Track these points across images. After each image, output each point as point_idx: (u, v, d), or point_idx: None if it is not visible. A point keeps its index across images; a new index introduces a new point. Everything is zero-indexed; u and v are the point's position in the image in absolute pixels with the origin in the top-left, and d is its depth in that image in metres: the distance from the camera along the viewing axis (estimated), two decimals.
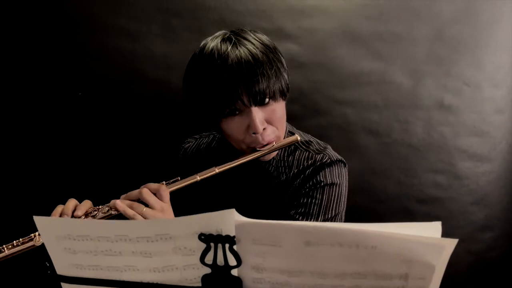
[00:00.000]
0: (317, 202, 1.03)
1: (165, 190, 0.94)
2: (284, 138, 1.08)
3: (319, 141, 1.15)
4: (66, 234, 0.59)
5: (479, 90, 1.64)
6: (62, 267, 0.63)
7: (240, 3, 1.60)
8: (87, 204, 0.94)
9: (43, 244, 0.62)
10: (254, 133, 0.98)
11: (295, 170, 1.08)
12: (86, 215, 0.90)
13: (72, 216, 0.88)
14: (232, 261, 0.59)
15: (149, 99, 1.62)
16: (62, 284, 0.64)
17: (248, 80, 0.94)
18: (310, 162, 1.07)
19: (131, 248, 0.59)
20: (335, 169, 1.07)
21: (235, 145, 1.05)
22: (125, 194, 0.95)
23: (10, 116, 1.61)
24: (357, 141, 1.61)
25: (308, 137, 1.17)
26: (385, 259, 0.55)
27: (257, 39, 1.00)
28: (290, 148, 1.11)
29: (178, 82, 1.60)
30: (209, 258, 0.59)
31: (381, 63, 1.59)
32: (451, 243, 0.53)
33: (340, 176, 1.07)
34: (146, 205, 0.91)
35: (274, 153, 1.08)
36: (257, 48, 0.97)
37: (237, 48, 0.96)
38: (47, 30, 1.61)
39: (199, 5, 1.60)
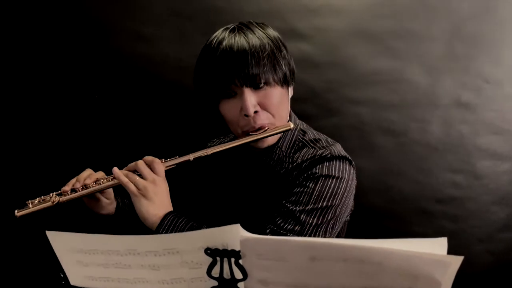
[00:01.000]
0: (308, 191, 0.99)
1: (159, 163, 1.01)
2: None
3: (329, 139, 1.12)
4: (78, 248, 0.61)
5: (499, 87, 1.60)
6: (75, 278, 0.65)
7: (253, 4, 1.60)
8: (99, 174, 1.05)
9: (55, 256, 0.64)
10: (246, 116, 0.99)
11: (295, 164, 1.07)
12: (95, 182, 1.03)
13: (84, 185, 1.02)
14: (238, 275, 0.59)
15: (163, 102, 1.64)
16: None
17: (238, 62, 0.97)
18: (310, 156, 1.05)
19: (140, 262, 0.60)
20: (335, 163, 1.03)
21: (233, 131, 1.07)
22: (126, 166, 1.03)
23: (29, 117, 1.65)
24: (372, 141, 1.59)
25: (320, 136, 1.14)
26: (390, 275, 0.55)
27: (259, 29, 1.02)
28: (298, 145, 1.10)
29: (191, 84, 1.61)
30: (215, 272, 0.60)
31: (396, 61, 1.57)
32: (457, 260, 0.52)
33: (340, 171, 1.02)
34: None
35: (270, 141, 1.07)
36: (254, 34, 1.00)
37: (236, 35, 0.99)
38: (64, 35, 1.64)
39: (212, 8, 1.61)
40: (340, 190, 1.01)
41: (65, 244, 0.61)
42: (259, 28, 1.03)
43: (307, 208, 0.98)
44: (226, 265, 0.59)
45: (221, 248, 0.58)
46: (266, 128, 1.02)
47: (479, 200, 1.64)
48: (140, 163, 1.00)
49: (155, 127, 1.63)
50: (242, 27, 1.02)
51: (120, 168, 1.04)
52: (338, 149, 1.07)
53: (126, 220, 1.19)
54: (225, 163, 1.19)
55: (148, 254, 0.59)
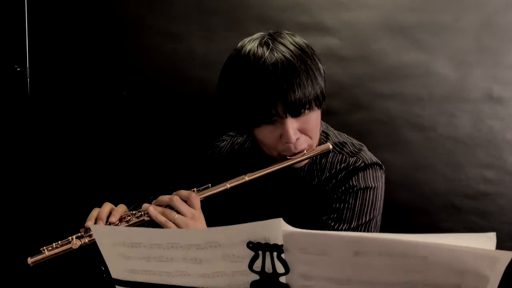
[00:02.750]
0: (350, 207, 1.00)
1: (196, 197, 0.95)
2: (317, 145, 1.06)
3: (354, 141, 1.11)
4: (120, 241, 0.62)
5: None
6: (116, 271, 0.66)
7: None
8: (121, 209, 0.97)
9: (97, 249, 0.65)
10: (286, 142, 0.97)
11: (327, 174, 1.06)
12: (120, 219, 0.94)
13: (107, 222, 0.92)
14: (280, 269, 0.59)
15: (190, 98, 1.65)
16: (117, 287, 0.67)
17: (284, 91, 0.92)
18: (343, 165, 1.05)
19: (182, 255, 0.61)
20: (369, 172, 1.04)
21: (266, 151, 1.04)
22: (156, 199, 0.97)
23: (57, 114, 1.68)
24: (400, 136, 1.57)
25: (343, 137, 1.13)
26: (436, 270, 0.54)
27: (294, 43, 0.98)
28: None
29: (217, 80, 1.62)
30: (257, 266, 0.60)
31: (425, 55, 1.54)
32: (507, 256, 0.51)
33: (375, 180, 1.04)
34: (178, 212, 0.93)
35: (305, 161, 1.07)
36: (295, 55, 0.95)
37: (274, 55, 0.94)
38: (93, 33, 1.66)
39: (238, 3, 1.61)
40: (377, 200, 1.04)
41: (108, 238, 0.62)
42: (295, 44, 0.98)
43: (352, 225, 1.00)
44: (268, 259, 0.59)
45: (263, 242, 0.58)
46: (305, 151, 1.01)
47: (510, 196, 1.60)
48: (176, 200, 0.94)
49: (182, 123, 1.65)
50: (277, 44, 0.96)
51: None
52: (368, 154, 1.08)
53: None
54: (255, 180, 1.15)
55: (191, 248, 0.60)
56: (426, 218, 1.58)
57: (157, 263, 0.62)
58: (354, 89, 1.56)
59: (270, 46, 0.95)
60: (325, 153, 1.07)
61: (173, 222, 0.91)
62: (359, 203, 1.01)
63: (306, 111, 0.96)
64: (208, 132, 1.65)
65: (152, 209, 0.93)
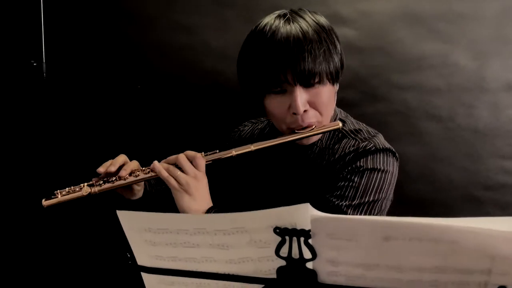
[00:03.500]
0: (354, 185, 0.97)
1: (201, 158, 0.98)
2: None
3: (370, 129, 1.10)
4: (147, 227, 0.62)
5: None
6: (142, 258, 0.66)
7: None
8: (133, 164, 1.03)
9: (124, 237, 0.65)
10: (294, 113, 0.97)
11: (336, 156, 1.04)
12: (130, 174, 1.00)
13: (117, 174, 1.00)
14: (307, 254, 0.59)
15: (206, 91, 1.65)
16: (142, 274, 0.67)
17: (294, 58, 0.93)
18: (353, 148, 1.03)
19: (209, 241, 0.61)
20: (379, 156, 1.01)
21: (276, 125, 1.05)
22: (166, 159, 1.01)
23: (73, 108, 1.69)
24: (418, 127, 1.56)
25: (360, 125, 1.11)
26: (466, 254, 0.54)
27: (313, 18, 0.99)
28: (338, 136, 1.07)
29: (234, 73, 1.61)
30: (284, 251, 0.60)
31: (443, 45, 1.52)
32: None
33: (385, 164, 1.00)
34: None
35: (314, 138, 1.06)
36: (310, 26, 0.96)
37: (289, 24, 0.95)
38: (108, 27, 1.67)
39: None
40: (386, 183, 1.00)
41: (135, 223, 0.62)
42: (313, 18, 0.99)
43: (353, 203, 0.96)
44: (295, 245, 0.59)
45: (290, 227, 0.58)
46: (313, 126, 1.00)
47: None
48: (182, 157, 0.98)
49: (198, 115, 1.65)
50: (296, 17, 0.98)
51: (159, 160, 1.03)
52: (382, 140, 1.05)
53: (153, 201, 1.17)
54: (263, 156, 1.17)
55: (217, 233, 0.60)
56: (444, 210, 1.57)
57: (184, 249, 0.62)
58: (371, 80, 1.55)
59: (287, 17, 0.97)
60: (340, 139, 1.06)
61: (175, 179, 0.94)
62: (364, 182, 0.97)
63: (316, 84, 0.96)
64: (224, 125, 1.65)
65: (158, 164, 0.98)
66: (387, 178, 0.99)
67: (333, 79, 0.99)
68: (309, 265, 0.60)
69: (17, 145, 1.68)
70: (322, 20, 1.00)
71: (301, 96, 0.95)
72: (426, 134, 1.55)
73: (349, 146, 1.04)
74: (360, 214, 0.96)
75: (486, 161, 1.56)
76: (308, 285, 0.61)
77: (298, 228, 0.58)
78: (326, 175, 1.04)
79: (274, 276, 0.62)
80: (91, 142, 1.69)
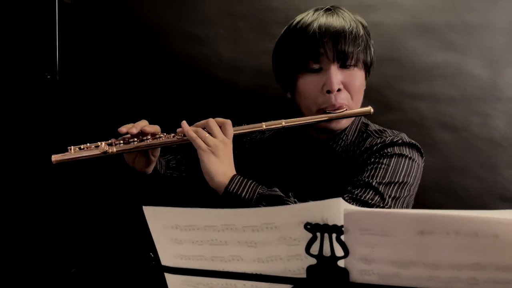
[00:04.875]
0: (383, 166, 0.97)
1: (230, 125, 0.99)
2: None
3: (394, 131, 1.12)
4: (173, 224, 0.60)
5: None
6: (166, 257, 0.64)
7: (307, 2, 1.59)
8: (156, 127, 1.04)
9: (149, 235, 0.63)
10: (328, 92, 0.99)
11: (362, 148, 1.06)
12: (152, 135, 1.00)
13: (140, 133, 0.99)
14: (339, 252, 0.57)
15: (218, 102, 1.65)
16: (166, 275, 0.65)
17: (336, 36, 0.97)
18: (379, 141, 1.05)
19: (237, 238, 0.59)
20: (406, 147, 1.02)
21: (305, 109, 1.06)
22: (194, 124, 1.02)
23: (86, 120, 1.69)
24: (432, 137, 1.54)
25: (383, 128, 1.14)
26: (508, 250, 0.52)
27: (351, 14, 1.04)
28: (363, 136, 1.09)
29: (246, 84, 1.62)
30: (314, 249, 0.58)
31: (456, 54, 1.52)
32: None
33: (411, 154, 1.02)
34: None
35: (343, 125, 1.06)
36: (352, 19, 1.02)
37: (331, 15, 1.01)
38: (120, 39, 1.68)
39: (265, 7, 1.61)
40: (413, 170, 1.00)
41: (161, 220, 0.61)
42: (350, 13, 1.05)
43: (384, 181, 0.95)
44: (326, 242, 0.57)
45: (321, 223, 0.56)
46: (345, 109, 1.01)
47: None
48: (212, 121, 0.99)
49: None
50: (335, 11, 1.03)
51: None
52: (407, 138, 1.07)
53: (156, 183, 1.16)
54: (286, 147, 1.17)
55: (246, 230, 0.58)
56: None
57: (210, 247, 0.61)
58: (384, 90, 1.54)
59: (329, 11, 1.03)
60: (365, 138, 1.08)
61: (203, 141, 0.94)
62: (393, 164, 0.97)
63: (352, 66, 1.00)
64: (237, 137, 1.64)
65: (185, 124, 0.98)
66: (414, 166, 1.00)
67: (366, 69, 1.04)
68: (341, 263, 0.58)
69: (30, 156, 1.67)
70: (358, 16, 1.07)
71: (336, 74, 0.98)
72: (440, 144, 1.54)
73: (376, 142, 1.05)
74: (392, 191, 0.95)
75: (502, 171, 1.53)
76: (339, 284, 0.59)
77: (330, 224, 0.56)
78: (352, 168, 1.04)
79: (304, 275, 0.60)
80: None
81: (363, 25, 1.04)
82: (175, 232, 0.61)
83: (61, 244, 1.60)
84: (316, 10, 1.04)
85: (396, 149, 1.00)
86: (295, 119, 1.03)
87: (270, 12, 1.60)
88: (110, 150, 0.91)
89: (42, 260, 1.62)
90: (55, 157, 0.91)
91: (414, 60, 1.53)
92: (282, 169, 1.16)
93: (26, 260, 1.62)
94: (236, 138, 1.25)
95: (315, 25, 0.99)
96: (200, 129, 0.98)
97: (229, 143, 0.97)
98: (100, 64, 1.69)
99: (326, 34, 0.97)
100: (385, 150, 1.00)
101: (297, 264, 0.60)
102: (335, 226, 0.56)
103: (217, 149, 0.94)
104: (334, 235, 0.57)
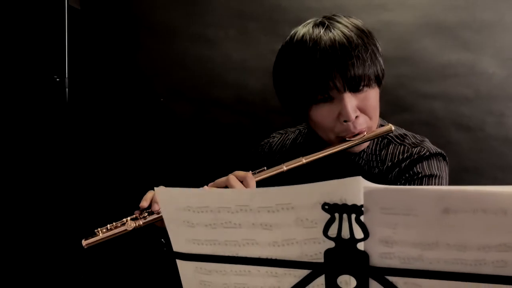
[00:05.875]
0: None
1: (252, 178, 0.93)
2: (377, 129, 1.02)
3: (415, 134, 1.08)
4: (186, 206, 0.58)
5: None
6: (178, 243, 0.62)
7: (316, 1, 1.59)
8: None
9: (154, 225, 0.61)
10: (345, 121, 0.93)
11: (389, 164, 1.02)
12: None
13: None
14: (358, 234, 0.55)
15: (227, 103, 1.64)
16: (178, 262, 0.63)
17: (342, 64, 0.90)
18: (406, 155, 1.01)
19: (251, 220, 0.57)
20: (433, 161, 1.00)
21: (323, 136, 1.01)
22: (214, 182, 0.94)
23: (95, 122, 1.69)
24: (446, 137, 1.52)
25: (402, 130, 1.09)
26: None
27: (350, 22, 0.96)
28: (383, 142, 1.05)
29: (256, 85, 1.61)
30: (332, 231, 0.55)
31: (469, 53, 1.50)
32: None
33: (439, 169, 1.00)
34: None
35: (365, 145, 1.03)
36: (351, 31, 0.93)
37: (330, 31, 0.93)
38: (130, 42, 1.69)
39: (274, 7, 1.61)
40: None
41: (174, 201, 0.59)
42: (352, 23, 0.97)
43: None
44: (345, 223, 0.55)
45: (340, 203, 0.54)
46: (364, 132, 0.97)
47: None
48: (232, 179, 0.92)
49: (220, 128, 1.63)
50: (334, 23, 0.95)
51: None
52: (431, 145, 1.04)
53: None
54: (307, 163, 1.12)
55: (261, 211, 0.56)
56: None
57: (224, 230, 0.58)
58: (396, 90, 1.53)
59: (326, 25, 0.95)
60: (386, 145, 1.04)
61: None
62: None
63: (365, 87, 0.93)
64: (246, 137, 1.62)
65: (208, 189, 0.91)
66: (443, 183, 1.00)
67: (379, 81, 0.97)
68: (360, 246, 0.56)
69: (38, 158, 1.67)
70: (359, 23, 0.98)
71: (351, 102, 0.92)
72: (454, 144, 1.51)
73: (399, 153, 1.02)
74: None
75: None
76: (359, 269, 0.56)
77: (349, 203, 0.54)
78: (380, 183, 1.00)
79: (321, 260, 0.58)
80: (113, 156, 1.68)
81: (366, 35, 0.96)
82: (187, 215, 0.59)
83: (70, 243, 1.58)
84: (314, 26, 0.95)
85: (426, 167, 0.98)
86: (315, 154, 0.96)
87: (279, 12, 1.60)
88: (137, 224, 0.90)
89: (51, 261, 1.60)
90: (86, 242, 0.90)
91: (427, 59, 1.51)
92: (302, 179, 1.11)
93: (34, 263, 1.61)
94: (252, 153, 1.23)
95: (317, 54, 0.91)
96: None
97: None
98: (108, 67, 1.69)
99: (331, 65, 0.90)
100: (414, 170, 0.98)
101: (314, 248, 0.57)
102: (354, 206, 0.54)
103: None
104: (353, 216, 0.54)
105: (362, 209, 0.53)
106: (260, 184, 0.94)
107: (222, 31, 1.63)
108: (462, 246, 0.52)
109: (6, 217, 1.65)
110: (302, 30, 0.97)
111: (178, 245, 0.62)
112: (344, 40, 0.91)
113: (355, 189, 0.53)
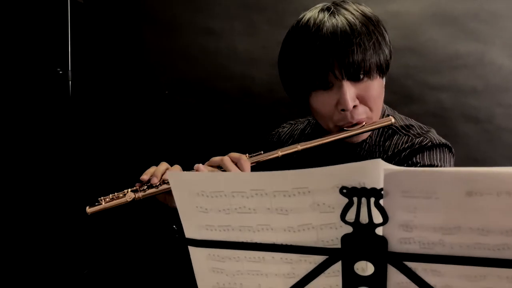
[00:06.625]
0: None
1: (246, 160, 0.93)
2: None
3: (422, 125, 1.05)
4: (199, 190, 0.57)
5: None
6: (191, 229, 0.60)
7: None
8: (176, 168, 0.98)
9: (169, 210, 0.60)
10: (343, 110, 0.92)
11: (389, 153, 0.99)
12: None
13: (161, 179, 0.94)
14: (377, 218, 0.53)
15: (233, 95, 1.62)
16: (190, 249, 0.62)
17: (342, 50, 0.88)
18: (407, 145, 0.98)
19: (267, 204, 0.55)
20: (436, 152, 0.96)
21: (323, 124, 1.00)
22: (209, 160, 0.96)
23: (98, 115, 1.67)
24: (454, 129, 1.50)
25: (409, 121, 1.06)
26: None
27: (358, 10, 0.94)
28: (388, 133, 1.02)
29: (261, 76, 1.59)
30: (350, 216, 0.54)
31: (478, 44, 1.48)
32: None
33: (442, 160, 0.95)
34: None
35: (364, 136, 1.01)
36: (357, 18, 0.92)
37: (334, 17, 0.91)
38: (134, 33, 1.67)
39: None
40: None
41: (187, 186, 0.57)
42: (359, 10, 0.95)
43: None
44: (363, 208, 0.53)
45: (358, 187, 0.52)
46: (364, 123, 0.95)
47: None
48: (226, 160, 0.93)
49: (225, 120, 1.61)
50: (340, 9, 0.94)
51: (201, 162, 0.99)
52: (437, 136, 1.00)
53: None
54: (309, 155, 1.12)
55: (277, 195, 0.54)
56: None
57: (238, 216, 0.57)
58: (403, 81, 1.51)
59: (332, 10, 0.93)
60: (390, 135, 1.01)
61: None
62: None
63: (365, 77, 0.91)
64: (252, 128, 1.61)
65: (201, 167, 0.92)
66: None
67: (382, 72, 0.94)
68: (379, 231, 0.54)
69: (42, 150, 1.66)
70: (368, 11, 0.96)
71: (349, 90, 0.90)
72: (463, 136, 1.50)
73: (402, 143, 0.99)
74: None
75: None
76: (377, 255, 0.55)
77: (368, 187, 0.52)
78: None
79: (338, 245, 0.56)
80: (116, 148, 1.66)
81: (373, 23, 0.93)
82: (200, 200, 0.57)
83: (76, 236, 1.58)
84: (320, 11, 0.94)
85: (426, 158, 0.94)
86: (310, 141, 0.96)
87: (285, 3, 1.58)
88: (136, 196, 0.94)
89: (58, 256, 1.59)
90: (89, 210, 0.95)
91: (436, 50, 1.50)
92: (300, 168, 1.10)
93: (38, 260, 1.60)
94: (263, 142, 1.22)
95: (318, 39, 0.89)
96: (216, 170, 0.93)
97: None
98: (112, 59, 1.68)
99: (330, 50, 0.88)
100: (414, 159, 0.94)
101: (331, 233, 0.56)
102: (373, 189, 0.52)
103: None
104: (372, 200, 0.53)
105: (382, 192, 0.52)
106: (254, 168, 0.94)
107: (227, 23, 1.62)
108: (485, 230, 0.51)
109: (19, 214, 1.64)
110: (309, 14, 0.96)
111: (190, 231, 0.61)
112: (347, 27, 0.90)
113: (375, 172, 0.51)
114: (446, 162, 0.97)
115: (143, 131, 1.65)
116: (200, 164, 0.94)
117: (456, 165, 1.48)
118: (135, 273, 1.59)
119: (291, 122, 1.24)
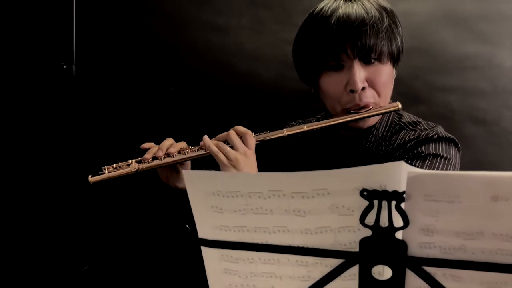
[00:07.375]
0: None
1: (251, 136, 0.96)
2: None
3: (429, 122, 1.06)
4: (215, 190, 0.55)
5: None
6: (205, 229, 0.59)
7: None
8: (181, 144, 1.01)
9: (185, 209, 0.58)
10: (351, 91, 0.93)
11: (395, 145, 1.00)
12: (179, 152, 0.98)
13: (166, 153, 0.97)
14: (398, 222, 0.52)
15: (239, 92, 1.61)
16: (203, 249, 0.60)
17: (355, 31, 0.90)
18: (413, 137, 0.98)
19: (284, 206, 0.54)
20: (442, 144, 0.96)
21: (329, 108, 1.01)
22: (215, 137, 0.99)
23: (102, 110, 1.66)
24: (462, 131, 1.49)
25: (417, 118, 1.07)
26: None
27: (374, 0, 0.97)
28: (395, 128, 1.03)
29: (267, 74, 1.58)
30: (370, 219, 0.53)
31: (487, 45, 1.47)
32: None
33: (448, 152, 0.95)
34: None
35: (371, 121, 1.01)
36: (372, 5, 0.94)
37: (352, 4, 0.94)
38: (139, 28, 1.65)
39: None
40: (448, 170, 0.93)
41: (202, 185, 0.56)
42: (375, 0, 0.97)
43: None
44: (384, 211, 0.52)
45: (380, 190, 0.51)
46: (370, 107, 0.96)
47: None
48: (232, 134, 0.95)
49: (231, 117, 1.60)
50: None
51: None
52: (443, 130, 1.00)
53: None
54: (315, 145, 1.13)
55: (295, 196, 0.53)
56: None
57: (254, 217, 0.56)
58: (411, 82, 1.50)
59: (350, 0, 0.95)
60: (397, 130, 1.02)
61: (224, 155, 0.92)
62: (426, 167, 0.91)
63: (376, 61, 0.93)
64: (257, 126, 1.59)
65: (208, 139, 0.95)
66: (450, 166, 0.94)
67: (393, 60, 0.96)
68: (399, 235, 0.53)
69: (45, 144, 1.64)
70: (384, 2, 0.98)
71: (359, 72, 0.92)
72: (470, 138, 1.49)
73: (409, 136, 0.99)
74: None
75: None
76: (396, 259, 0.54)
77: (390, 190, 0.51)
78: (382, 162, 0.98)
79: (356, 249, 0.55)
80: (120, 144, 1.64)
81: (387, 12, 0.96)
82: (216, 200, 0.56)
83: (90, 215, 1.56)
84: (334, 1, 0.97)
85: (431, 148, 0.95)
86: (317, 122, 0.99)
87: (293, 1, 1.57)
88: (140, 167, 0.96)
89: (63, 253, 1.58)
90: (92, 179, 0.96)
91: (444, 51, 1.49)
92: (310, 165, 1.11)
93: (39, 257, 1.59)
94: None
95: (333, 20, 0.92)
96: (221, 143, 0.95)
97: (251, 154, 0.95)
98: (116, 54, 1.66)
99: (344, 30, 0.91)
100: (419, 149, 0.95)
101: (349, 236, 0.55)
102: (395, 192, 0.51)
103: (238, 163, 0.92)
104: (393, 203, 0.51)
105: (404, 195, 0.51)
106: (259, 146, 0.96)
107: (234, 19, 1.60)
108: (509, 236, 0.50)
109: (22, 212, 1.62)
110: (324, 2, 0.99)
111: (204, 231, 0.59)
112: (362, 10, 0.92)
113: (397, 174, 0.50)
114: (452, 154, 0.96)
115: (147, 126, 1.64)
116: (206, 136, 0.97)
117: (462, 167, 1.47)
118: (141, 273, 1.58)
119: (299, 121, 1.24)
